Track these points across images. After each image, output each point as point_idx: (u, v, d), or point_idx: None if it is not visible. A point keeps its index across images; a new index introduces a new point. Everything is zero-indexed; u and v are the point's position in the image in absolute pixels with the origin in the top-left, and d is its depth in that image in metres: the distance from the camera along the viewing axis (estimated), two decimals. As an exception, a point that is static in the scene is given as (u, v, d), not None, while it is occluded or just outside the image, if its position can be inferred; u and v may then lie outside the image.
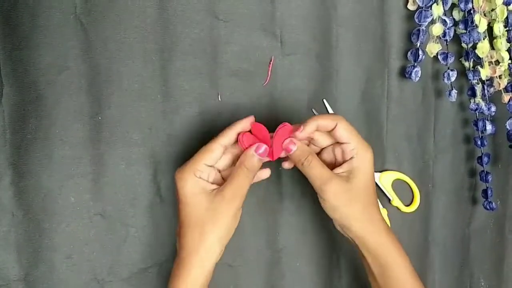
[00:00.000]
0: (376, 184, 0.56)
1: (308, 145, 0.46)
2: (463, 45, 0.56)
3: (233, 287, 0.51)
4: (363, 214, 0.43)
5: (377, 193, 0.56)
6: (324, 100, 0.53)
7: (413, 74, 0.54)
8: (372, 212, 0.44)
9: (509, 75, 0.57)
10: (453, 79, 0.56)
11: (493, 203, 0.60)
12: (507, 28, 0.55)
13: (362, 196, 0.43)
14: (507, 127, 0.58)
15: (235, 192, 0.41)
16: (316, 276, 0.55)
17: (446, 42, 0.55)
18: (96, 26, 0.44)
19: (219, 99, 0.49)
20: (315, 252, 0.55)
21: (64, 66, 0.43)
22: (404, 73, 0.56)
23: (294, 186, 0.53)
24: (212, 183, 0.43)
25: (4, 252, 0.43)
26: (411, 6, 0.54)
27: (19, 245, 0.44)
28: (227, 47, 0.48)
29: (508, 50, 0.56)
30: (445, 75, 0.56)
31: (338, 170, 0.44)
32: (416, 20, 0.53)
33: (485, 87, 0.57)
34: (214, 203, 0.41)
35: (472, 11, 0.54)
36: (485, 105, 0.57)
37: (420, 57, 0.54)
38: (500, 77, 0.57)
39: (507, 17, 0.54)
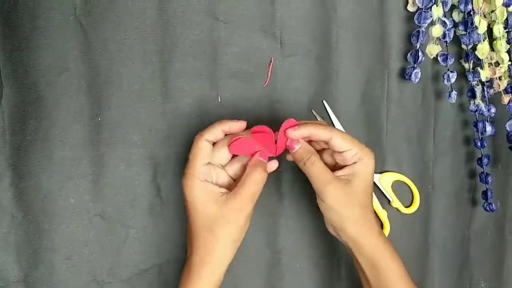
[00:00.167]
0: (376, 185, 0.56)
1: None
2: (463, 46, 0.56)
3: (233, 289, 0.51)
4: (360, 217, 0.43)
5: (377, 194, 0.57)
6: (324, 102, 0.53)
7: (413, 76, 0.54)
8: (368, 215, 0.44)
9: (509, 76, 0.57)
10: (453, 80, 0.56)
11: (493, 205, 0.60)
12: (507, 30, 0.55)
13: (360, 199, 0.43)
14: (507, 128, 0.58)
15: (245, 197, 0.41)
16: (316, 276, 0.55)
17: (446, 44, 0.55)
18: (96, 27, 0.44)
19: (219, 100, 0.49)
20: (315, 253, 0.55)
21: (64, 67, 0.43)
22: (404, 75, 0.56)
23: (294, 187, 0.53)
24: (221, 185, 0.42)
25: (3, 253, 0.43)
26: (410, 8, 0.55)
27: (18, 246, 0.44)
28: (227, 49, 0.48)
29: (508, 52, 0.56)
30: (445, 77, 0.56)
31: (339, 173, 0.44)
32: (416, 22, 0.53)
33: (485, 88, 0.57)
34: (224, 211, 0.40)
35: (472, 13, 0.54)
36: (485, 106, 0.57)
37: (420, 58, 0.54)
38: (500, 78, 0.57)
39: (507, 19, 0.54)
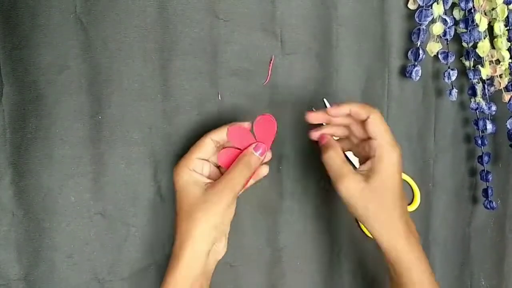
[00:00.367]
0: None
1: (347, 136, 0.46)
2: (464, 44, 0.56)
3: (234, 287, 0.51)
4: (378, 216, 0.41)
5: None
6: (324, 99, 0.53)
7: (413, 74, 0.54)
8: (389, 216, 0.42)
9: (509, 74, 0.57)
10: (453, 78, 0.56)
11: (494, 202, 0.60)
12: (508, 28, 0.55)
13: (378, 198, 0.41)
14: (508, 126, 0.58)
15: (226, 184, 0.41)
16: (316, 275, 0.55)
17: (447, 41, 0.55)
18: (96, 26, 0.44)
19: (219, 98, 0.49)
20: (315, 251, 0.55)
21: (64, 65, 0.43)
22: (404, 73, 0.56)
23: (294, 185, 0.53)
24: (208, 177, 0.43)
25: (4, 251, 0.43)
26: (411, 5, 0.54)
27: (19, 244, 0.44)
28: (227, 47, 0.48)
29: (509, 49, 0.56)
30: (445, 74, 0.56)
31: (362, 167, 0.43)
32: (417, 19, 0.53)
33: (486, 86, 0.57)
34: (205, 195, 0.41)
35: (472, 10, 0.54)
36: (485, 104, 0.57)
37: (420, 56, 0.54)
38: (500, 76, 0.57)
39: (507, 16, 0.54)
